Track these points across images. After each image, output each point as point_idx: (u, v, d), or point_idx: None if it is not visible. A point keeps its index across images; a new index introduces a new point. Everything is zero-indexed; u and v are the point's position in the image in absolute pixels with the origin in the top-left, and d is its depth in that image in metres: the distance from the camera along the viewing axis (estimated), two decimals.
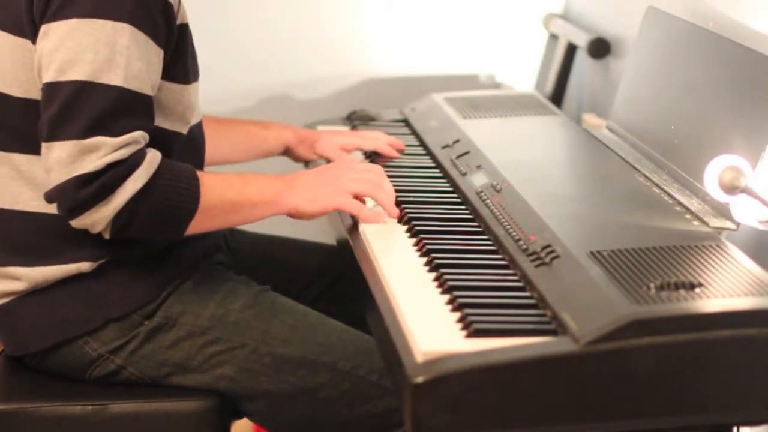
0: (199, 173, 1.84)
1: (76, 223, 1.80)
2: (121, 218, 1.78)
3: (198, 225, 1.85)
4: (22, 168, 1.88)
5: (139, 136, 1.78)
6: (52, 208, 1.85)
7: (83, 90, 1.76)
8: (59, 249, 1.89)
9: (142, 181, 1.77)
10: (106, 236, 1.81)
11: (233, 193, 1.88)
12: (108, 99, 1.77)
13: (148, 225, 1.81)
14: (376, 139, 2.34)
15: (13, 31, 1.84)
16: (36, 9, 1.79)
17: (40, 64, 1.79)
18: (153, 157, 1.79)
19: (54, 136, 1.76)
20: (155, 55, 1.82)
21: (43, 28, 1.79)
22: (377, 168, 2.00)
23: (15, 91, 1.86)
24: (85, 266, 1.88)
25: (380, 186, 1.96)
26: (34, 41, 1.82)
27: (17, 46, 1.84)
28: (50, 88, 1.77)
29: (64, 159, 1.75)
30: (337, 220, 2.04)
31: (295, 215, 1.94)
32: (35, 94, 1.83)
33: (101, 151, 1.75)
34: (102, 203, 1.76)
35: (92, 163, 1.75)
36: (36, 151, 1.85)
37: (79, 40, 1.76)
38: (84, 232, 1.83)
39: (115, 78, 1.77)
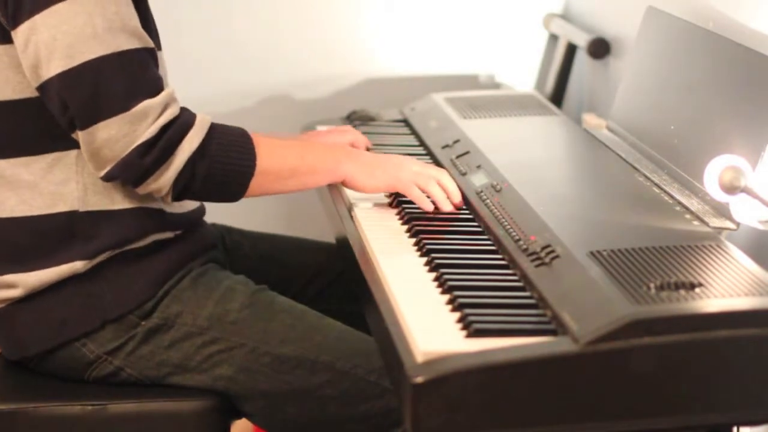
0: (254, 135, 1.88)
1: (142, 189, 1.84)
2: (181, 179, 1.82)
3: (258, 188, 1.89)
4: (7, 173, 1.88)
5: (171, 90, 1.82)
6: (38, 210, 1.87)
7: (101, 64, 1.77)
8: (51, 250, 1.88)
9: (198, 140, 1.81)
10: (169, 200, 1.86)
11: (293, 158, 1.93)
12: (127, 63, 1.79)
13: (208, 185, 1.84)
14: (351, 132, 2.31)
15: None
16: (4, 10, 1.78)
17: (38, 58, 1.78)
18: (203, 118, 1.84)
19: (94, 119, 1.78)
20: (135, 12, 1.84)
21: (27, 24, 1.77)
22: (442, 170, 2.04)
23: None
24: (78, 265, 1.88)
25: (436, 180, 1.99)
26: (2, 42, 1.81)
27: None
28: (65, 77, 1.77)
29: (116, 134, 1.78)
30: (337, 219, 2.04)
31: (349, 184, 1.98)
32: (8, 94, 1.83)
33: (151, 115, 1.78)
34: (164, 166, 1.80)
35: (147, 129, 1.78)
36: (19, 153, 1.85)
37: (72, 21, 1.76)
38: (74, 231, 1.86)
39: (122, 42, 1.79)
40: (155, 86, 1.80)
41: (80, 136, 1.80)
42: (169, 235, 1.95)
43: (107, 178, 1.82)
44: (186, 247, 1.97)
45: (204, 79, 2.31)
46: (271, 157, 1.89)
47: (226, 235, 2.23)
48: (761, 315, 1.53)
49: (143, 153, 1.78)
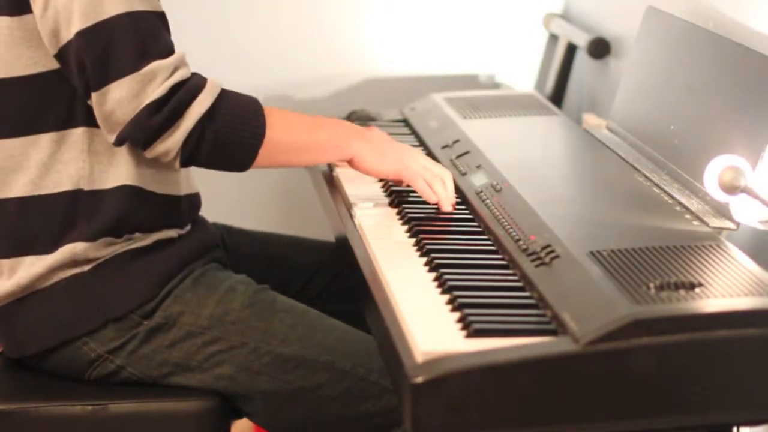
0: (265, 106, 1.88)
1: (150, 152, 1.84)
2: (189, 143, 1.82)
3: (266, 158, 1.88)
4: (15, 153, 1.89)
5: (183, 53, 1.83)
6: (46, 189, 1.88)
7: (115, 24, 1.78)
8: (55, 232, 1.89)
9: (208, 103, 1.82)
10: (177, 165, 1.85)
11: (304, 131, 1.93)
12: (140, 24, 1.80)
13: (216, 150, 1.84)
14: None
15: None
16: None
17: (57, 21, 1.80)
18: (214, 82, 1.84)
19: (105, 80, 1.79)
20: None
21: None
22: (447, 170, 2.02)
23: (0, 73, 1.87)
24: (80, 247, 1.88)
25: (440, 179, 1.98)
26: (10, 14, 1.83)
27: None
28: (83, 36, 1.79)
29: (126, 95, 1.79)
30: (337, 219, 2.04)
31: (356, 164, 1.97)
32: (19, 70, 1.85)
33: (160, 76, 1.79)
34: (173, 127, 1.81)
35: (156, 89, 1.79)
36: (27, 132, 1.87)
37: None
38: (77, 210, 1.87)
39: (135, 4, 1.80)
40: (165, 48, 1.82)
41: (93, 98, 1.82)
42: (172, 234, 1.95)
43: (118, 141, 1.83)
44: (188, 247, 1.97)
45: None
46: (281, 127, 1.89)
47: (226, 234, 2.23)
48: (761, 315, 1.53)
49: (152, 112, 1.79)
